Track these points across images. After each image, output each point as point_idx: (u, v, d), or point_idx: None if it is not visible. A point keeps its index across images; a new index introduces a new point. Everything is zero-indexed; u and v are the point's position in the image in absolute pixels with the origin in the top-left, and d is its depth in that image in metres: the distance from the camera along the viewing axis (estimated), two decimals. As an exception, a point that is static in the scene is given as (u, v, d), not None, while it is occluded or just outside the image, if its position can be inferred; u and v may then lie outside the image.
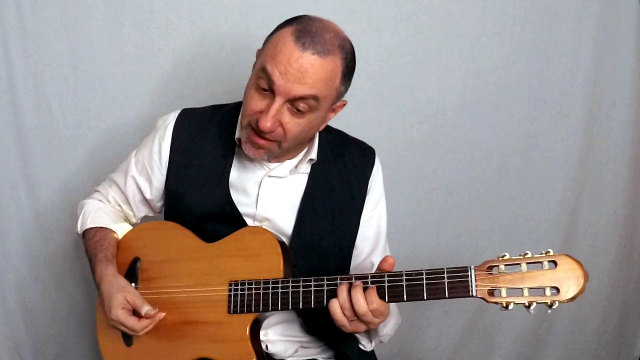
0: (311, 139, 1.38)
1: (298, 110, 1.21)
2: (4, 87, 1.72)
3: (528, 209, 2.03)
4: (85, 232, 1.42)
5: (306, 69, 1.17)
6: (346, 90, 1.28)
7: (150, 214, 1.50)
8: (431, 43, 1.89)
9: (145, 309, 1.24)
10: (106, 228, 1.41)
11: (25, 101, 1.74)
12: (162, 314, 1.27)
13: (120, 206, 1.47)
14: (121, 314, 1.24)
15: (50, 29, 1.71)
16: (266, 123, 1.19)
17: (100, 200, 1.48)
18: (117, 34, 1.74)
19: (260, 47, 1.26)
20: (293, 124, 1.22)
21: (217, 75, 1.77)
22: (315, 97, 1.19)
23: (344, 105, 1.32)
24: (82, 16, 1.72)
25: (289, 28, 1.20)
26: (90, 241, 1.39)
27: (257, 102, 1.22)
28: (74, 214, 1.49)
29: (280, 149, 1.27)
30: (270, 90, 1.20)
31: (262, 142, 1.25)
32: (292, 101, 1.19)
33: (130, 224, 1.48)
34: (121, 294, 1.25)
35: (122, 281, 1.29)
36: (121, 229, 1.43)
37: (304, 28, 1.19)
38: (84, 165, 1.73)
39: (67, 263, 1.85)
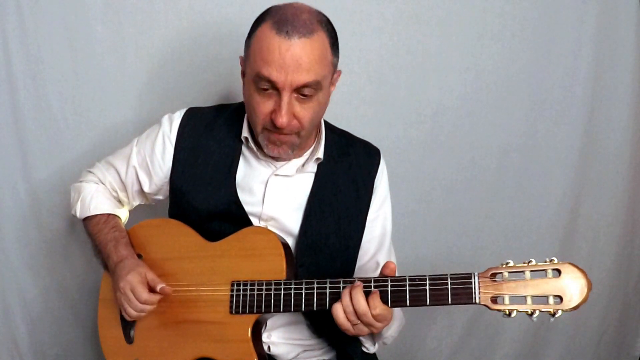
0: (317, 134, 1.39)
1: (305, 95, 1.22)
2: (4, 87, 1.71)
3: (528, 209, 2.04)
4: (92, 217, 1.44)
5: (300, 55, 1.18)
6: (338, 60, 1.30)
7: (144, 203, 1.51)
8: (431, 43, 1.88)
9: (160, 285, 1.27)
10: (116, 216, 1.45)
11: (25, 101, 1.73)
12: (170, 289, 1.29)
13: (116, 192, 1.47)
14: (135, 279, 1.26)
15: (50, 29, 1.70)
16: (283, 120, 1.21)
17: (97, 184, 1.48)
18: (117, 34, 1.73)
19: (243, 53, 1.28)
20: (305, 111, 1.24)
21: (218, 75, 1.77)
22: (316, 82, 1.21)
23: (339, 75, 1.34)
24: (82, 16, 1.70)
25: (266, 24, 1.21)
26: (105, 225, 1.41)
27: (265, 104, 1.24)
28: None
29: (300, 139, 1.29)
30: (273, 89, 1.21)
31: (283, 137, 1.27)
32: (298, 90, 1.21)
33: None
34: (144, 269, 1.29)
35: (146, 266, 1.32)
36: (123, 216, 1.47)
37: (280, 18, 1.19)
38: (84, 165, 1.70)
39: (67, 262, 1.85)
